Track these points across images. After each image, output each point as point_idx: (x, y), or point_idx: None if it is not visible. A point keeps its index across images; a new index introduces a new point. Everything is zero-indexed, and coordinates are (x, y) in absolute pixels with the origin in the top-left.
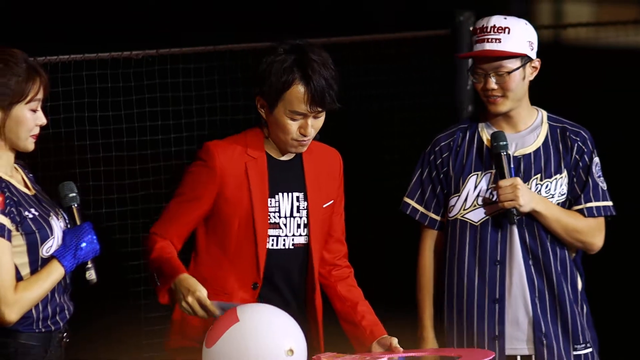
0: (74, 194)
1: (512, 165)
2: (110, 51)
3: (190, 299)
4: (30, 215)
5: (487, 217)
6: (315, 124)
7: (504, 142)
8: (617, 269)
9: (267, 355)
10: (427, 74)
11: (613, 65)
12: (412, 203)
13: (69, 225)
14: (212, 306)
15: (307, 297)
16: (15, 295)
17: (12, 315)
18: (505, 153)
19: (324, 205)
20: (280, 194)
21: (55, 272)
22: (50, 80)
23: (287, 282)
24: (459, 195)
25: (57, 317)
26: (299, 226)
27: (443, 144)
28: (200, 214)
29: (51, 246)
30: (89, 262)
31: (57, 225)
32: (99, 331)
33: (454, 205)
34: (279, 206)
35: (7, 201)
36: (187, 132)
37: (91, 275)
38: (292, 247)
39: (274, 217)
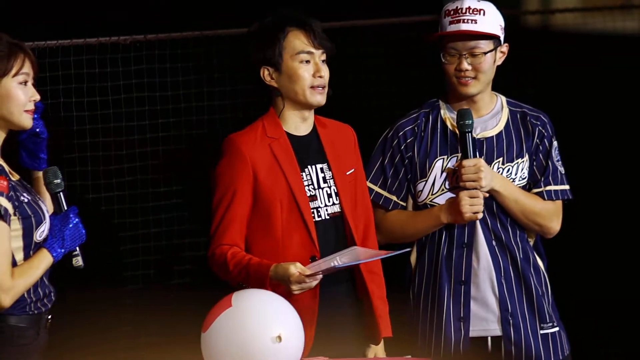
0: (59, 180)
1: (475, 147)
2: (98, 37)
3: (294, 287)
4: (26, 200)
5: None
6: (325, 71)
7: (470, 121)
8: (576, 253)
9: (254, 341)
10: (414, 59)
11: (600, 51)
12: (376, 188)
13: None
14: (312, 272)
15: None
16: (11, 281)
17: (7, 300)
18: (469, 131)
19: (347, 173)
20: (308, 166)
21: (45, 261)
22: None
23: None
24: (426, 181)
25: (45, 300)
26: (329, 196)
27: (407, 128)
28: (250, 206)
29: (44, 231)
30: (76, 249)
31: (46, 209)
32: (92, 315)
33: (421, 191)
34: (310, 178)
35: (10, 185)
36: (175, 117)
37: (78, 261)
38: (329, 217)
39: (309, 189)
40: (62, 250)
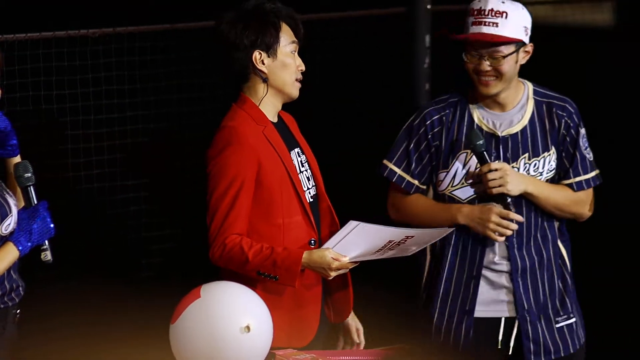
0: (30, 174)
1: (493, 155)
2: (67, 29)
3: (333, 273)
4: None
5: (474, 196)
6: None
7: (481, 141)
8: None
9: (222, 331)
10: (383, 52)
11: (570, 43)
12: (399, 171)
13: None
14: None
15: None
16: None
17: None
18: (484, 150)
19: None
20: (291, 151)
21: (10, 254)
22: (4, 58)
23: (321, 237)
24: (448, 172)
25: (13, 294)
26: (307, 179)
27: (435, 117)
28: (252, 196)
29: (9, 224)
30: (45, 243)
31: (13, 202)
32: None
33: (442, 180)
34: (297, 162)
35: None
36: (143, 110)
37: (46, 256)
38: (312, 200)
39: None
40: (29, 244)
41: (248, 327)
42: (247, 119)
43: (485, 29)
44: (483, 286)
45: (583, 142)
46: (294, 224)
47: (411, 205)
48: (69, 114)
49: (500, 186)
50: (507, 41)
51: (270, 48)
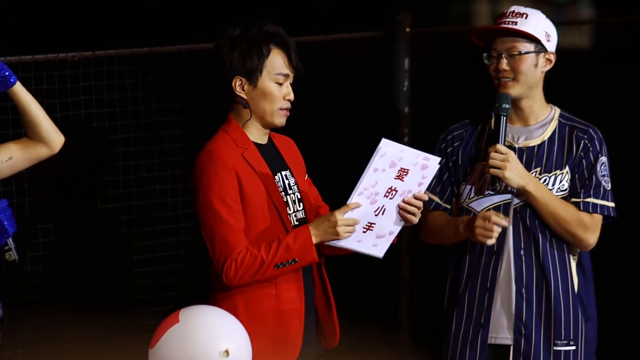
0: None
1: (505, 134)
2: (46, 53)
3: (340, 228)
4: None
5: (488, 208)
6: (292, 93)
7: (506, 105)
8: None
9: (201, 356)
10: (363, 75)
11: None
12: None
13: None
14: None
15: (315, 270)
16: None
17: None
18: (504, 115)
19: (305, 178)
20: (278, 173)
21: None
22: None
23: None
24: (465, 184)
25: None
26: (294, 202)
27: (456, 133)
28: (243, 214)
29: None
30: (8, 243)
31: None
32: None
33: (461, 194)
34: (282, 184)
35: None
36: (123, 134)
37: (11, 256)
38: (297, 223)
39: (282, 195)
40: None
41: (227, 352)
42: (228, 141)
43: (504, 26)
44: (497, 301)
45: (601, 169)
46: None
47: (430, 224)
48: None
49: (498, 168)
50: (524, 35)
51: (251, 76)
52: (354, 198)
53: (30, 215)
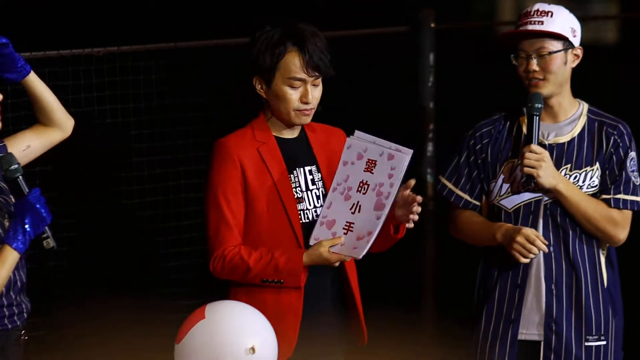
0: (16, 165)
1: (543, 134)
2: (72, 48)
3: (335, 261)
4: None
5: (519, 205)
6: (314, 93)
7: (538, 105)
8: None
9: (227, 353)
10: (387, 71)
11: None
12: (449, 185)
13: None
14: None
15: (344, 267)
16: None
17: None
18: (537, 115)
19: None
20: (296, 169)
21: (9, 257)
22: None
23: None
24: (496, 182)
25: (15, 316)
26: (317, 197)
27: (484, 130)
28: (243, 207)
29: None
30: (45, 231)
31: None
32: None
33: (491, 191)
34: (298, 180)
35: None
36: (148, 129)
37: (49, 243)
38: (316, 219)
39: (297, 192)
40: (25, 240)
41: (253, 349)
42: (245, 135)
43: (531, 27)
44: (528, 298)
45: (631, 165)
46: (280, 241)
47: (462, 223)
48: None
49: (532, 168)
50: (552, 35)
51: (266, 76)
52: (328, 195)
53: (55, 211)
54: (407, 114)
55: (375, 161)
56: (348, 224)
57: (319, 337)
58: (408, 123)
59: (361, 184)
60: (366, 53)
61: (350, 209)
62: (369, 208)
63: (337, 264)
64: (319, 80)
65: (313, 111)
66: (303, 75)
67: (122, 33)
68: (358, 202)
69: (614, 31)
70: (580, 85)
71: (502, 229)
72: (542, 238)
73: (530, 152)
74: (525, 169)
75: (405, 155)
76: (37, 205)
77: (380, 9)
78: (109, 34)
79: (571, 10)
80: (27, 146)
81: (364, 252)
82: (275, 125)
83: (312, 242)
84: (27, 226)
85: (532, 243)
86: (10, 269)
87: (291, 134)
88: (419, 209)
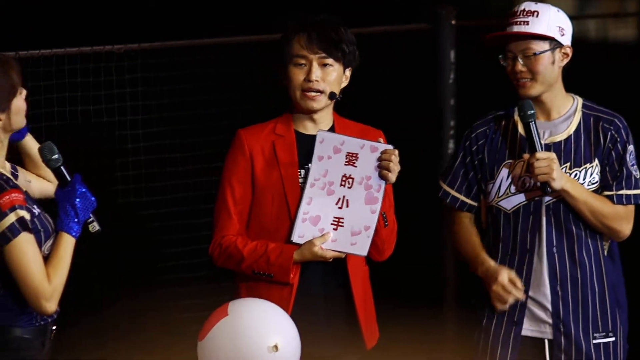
0: (57, 154)
1: (540, 135)
2: (92, 45)
3: (328, 256)
4: (36, 213)
5: (519, 206)
6: (323, 75)
7: (531, 111)
8: None
9: (250, 350)
10: (408, 68)
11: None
12: (444, 186)
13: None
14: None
15: (346, 268)
16: (49, 286)
17: (53, 306)
18: (532, 121)
19: None
20: (308, 165)
21: (68, 245)
22: (29, 74)
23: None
24: (494, 183)
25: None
26: None
27: (479, 131)
28: (249, 197)
29: (51, 245)
30: (90, 216)
31: (52, 221)
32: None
33: (489, 192)
34: (307, 176)
35: (25, 197)
36: (167, 126)
37: (94, 227)
38: None
39: (300, 187)
40: (79, 225)
41: (276, 347)
42: (266, 127)
43: (516, 28)
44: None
45: (630, 159)
46: (282, 233)
47: (457, 232)
48: (94, 130)
49: (546, 174)
50: (537, 36)
51: (282, 65)
52: (306, 191)
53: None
54: (427, 112)
55: (357, 154)
56: (337, 219)
57: (307, 336)
58: (429, 120)
59: (344, 178)
60: (386, 50)
61: (337, 203)
62: (360, 202)
63: (330, 260)
64: (330, 62)
65: (321, 97)
66: (305, 52)
67: (129, 31)
68: (344, 196)
69: (633, 28)
70: (598, 83)
71: (483, 267)
72: (519, 285)
73: (538, 160)
74: (540, 176)
75: (388, 146)
76: (83, 190)
77: (400, 6)
78: (119, 32)
79: (583, 9)
80: (28, 181)
81: (367, 248)
82: (299, 120)
83: (296, 239)
84: (79, 211)
85: (508, 291)
86: (70, 256)
87: (314, 130)
88: (389, 157)
